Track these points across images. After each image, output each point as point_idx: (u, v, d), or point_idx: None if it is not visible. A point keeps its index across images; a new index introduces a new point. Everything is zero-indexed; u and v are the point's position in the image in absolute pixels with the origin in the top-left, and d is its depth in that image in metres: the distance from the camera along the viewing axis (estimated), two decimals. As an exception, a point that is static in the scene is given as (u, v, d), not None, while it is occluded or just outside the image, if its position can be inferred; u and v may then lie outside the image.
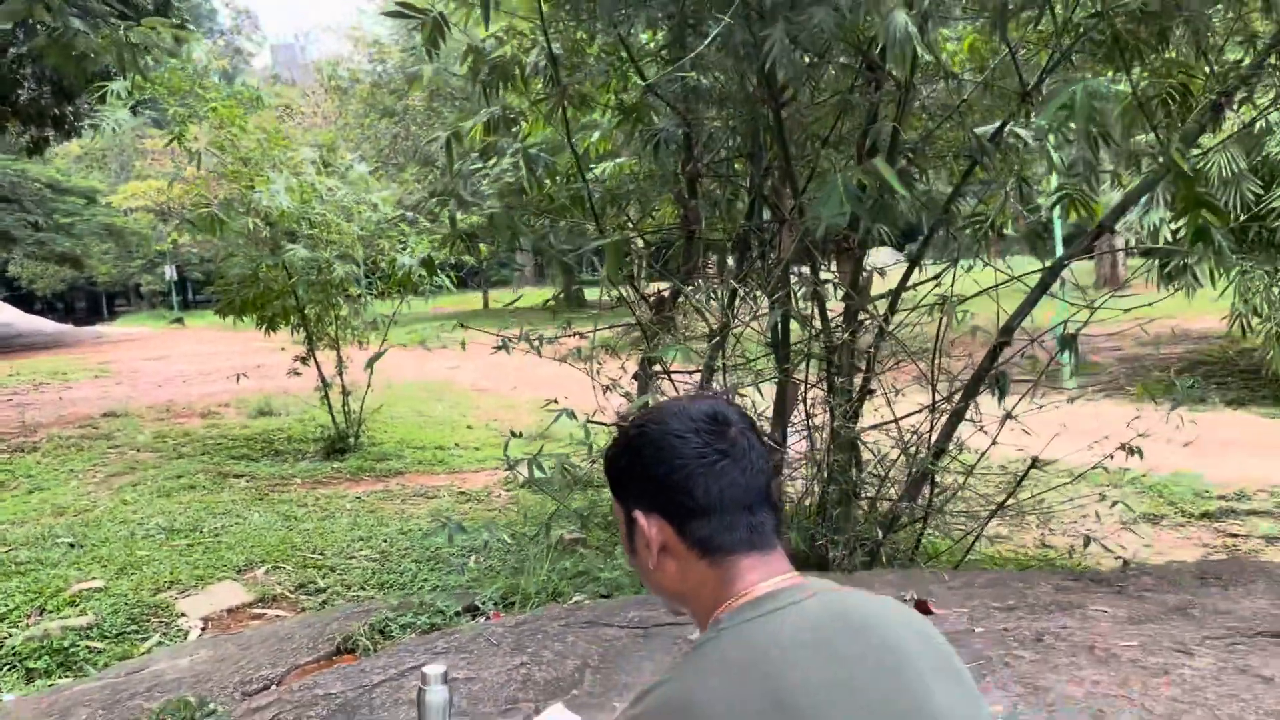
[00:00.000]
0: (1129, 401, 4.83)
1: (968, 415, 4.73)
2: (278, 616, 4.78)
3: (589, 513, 5.99)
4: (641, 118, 4.94)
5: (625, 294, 5.22)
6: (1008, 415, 4.63)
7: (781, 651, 1.05)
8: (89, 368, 16.96)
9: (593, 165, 6.10)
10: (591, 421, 4.54)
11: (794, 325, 4.93)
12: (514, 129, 5.35)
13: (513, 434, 4.84)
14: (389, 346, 5.92)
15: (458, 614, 3.66)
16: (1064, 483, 5.13)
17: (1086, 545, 4.97)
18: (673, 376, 5.14)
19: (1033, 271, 4.55)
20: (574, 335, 5.06)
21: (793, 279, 4.91)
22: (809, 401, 5.06)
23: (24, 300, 43.30)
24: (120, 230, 29.44)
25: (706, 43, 3.71)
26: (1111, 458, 4.80)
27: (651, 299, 5.48)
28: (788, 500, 5.04)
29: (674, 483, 1.15)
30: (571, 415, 4.31)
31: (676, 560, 1.17)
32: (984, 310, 4.65)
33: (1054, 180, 4.99)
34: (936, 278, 4.90)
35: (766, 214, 5.18)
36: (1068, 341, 4.61)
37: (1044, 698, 2.41)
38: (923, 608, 3.28)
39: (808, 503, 5.11)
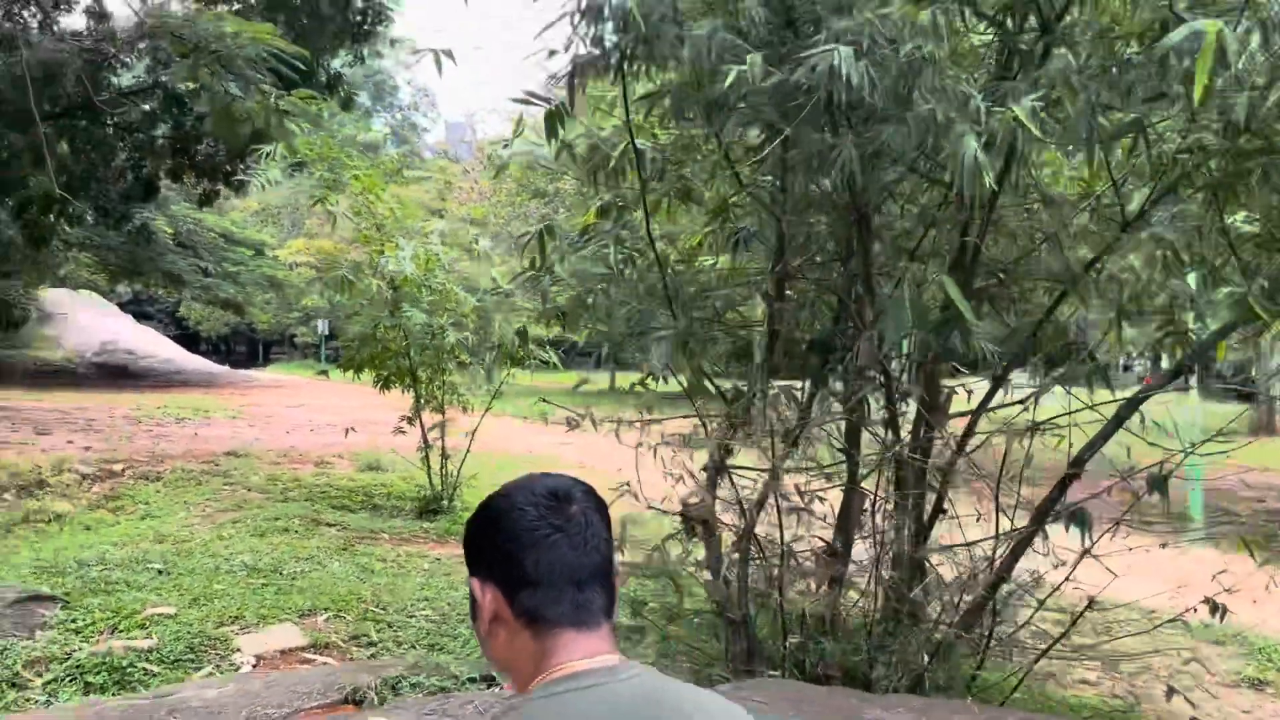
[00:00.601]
0: (1239, 552, 4.57)
1: (1043, 549, 4.57)
2: (324, 663, 4.91)
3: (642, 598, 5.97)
4: (728, 217, 5.03)
5: (700, 386, 5.25)
6: (1085, 551, 4.46)
7: None
8: (230, 408, 17.91)
9: (701, 259, 6.20)
10: (652, 507, 4.62)
11: (867, 435, 4.88)
12: (624, 217, 5.47)
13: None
14: (459, 415, 6.04)
15: (471, 680, 3.70)
16: (1149, 629, 4.87)
17: (1169, 698, 4.68)
18: (739, 472, 5.12)
19: (1110, 400, 4.40)
20: (648, 421, 5.13)
21: (868, 389, 4.87)
22: (877, 514, 4.96)
23: (190, 340, 46.14)
24: (281, 282, 31.28)
25: (767, 150, 3.78)
26: (1195, 610, 4.54)
27: (729, 393, 5.49)
28: (839, 612, 4.90)
29: (507, 553, 1.20)
30: (637, 498, 4.40)
31: (506, 630, 1.20)
32: (1079, 437, 4.50)
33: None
34: (1023, 401, 4.80)
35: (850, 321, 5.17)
36: (1159, 482, 4.43)
37: None
38: (931, 738, 3.15)
39: (873, 617, 4.96)
